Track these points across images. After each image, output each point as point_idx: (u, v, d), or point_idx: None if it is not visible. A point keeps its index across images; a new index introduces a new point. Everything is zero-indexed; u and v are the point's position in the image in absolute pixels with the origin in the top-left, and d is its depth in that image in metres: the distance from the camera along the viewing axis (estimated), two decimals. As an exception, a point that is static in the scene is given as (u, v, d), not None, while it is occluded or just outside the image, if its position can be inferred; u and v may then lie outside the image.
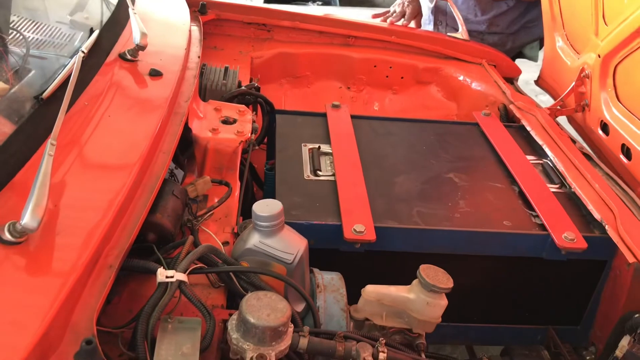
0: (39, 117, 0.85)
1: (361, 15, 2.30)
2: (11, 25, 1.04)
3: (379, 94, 1.84)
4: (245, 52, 1.72)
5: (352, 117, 1.46)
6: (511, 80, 1.82)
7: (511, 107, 1.58)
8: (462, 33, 1.85)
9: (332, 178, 1.20)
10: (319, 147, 1.31)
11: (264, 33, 1.82)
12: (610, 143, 1.45)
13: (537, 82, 1.81)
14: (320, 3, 6.33)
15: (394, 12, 2.12)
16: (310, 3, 6.30)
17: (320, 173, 1.22)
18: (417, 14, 2.15)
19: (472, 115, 1.54)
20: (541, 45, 2.15)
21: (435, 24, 2.19)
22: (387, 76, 1.84)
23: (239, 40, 1.78)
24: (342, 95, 1.81)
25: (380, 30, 1.87)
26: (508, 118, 1.59)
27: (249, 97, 1.38)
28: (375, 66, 1.83)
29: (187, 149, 1.10)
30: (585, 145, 1.53)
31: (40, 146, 0.81)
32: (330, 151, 1.30)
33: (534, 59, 2.16)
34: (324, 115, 1.46)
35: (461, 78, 1.77)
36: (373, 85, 1.84)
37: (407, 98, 1.82)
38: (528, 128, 1.47)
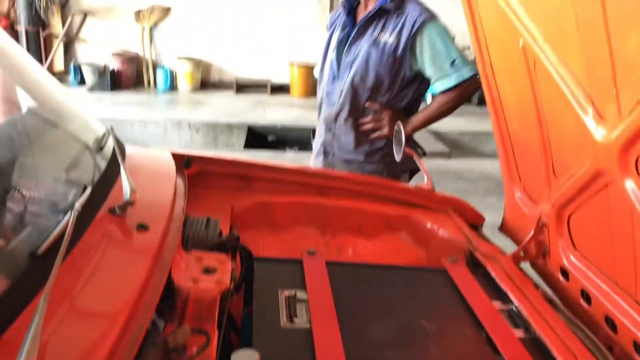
0: (33, 273, 0.91)
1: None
2: (11, 184, 1.13)
3: (352, 239, 1.93)
4: (226, 202, 1.83)
5: (327, 263, 1.54)
6: (476, 227, 1.94)
7: (476, 253, 1.68)
8: (428, 183, 1.99)
9: (307, 325, 1.25)
10: (295, 294, 1.37)
11: (244, 184, 1.94)
12: (570, 288, 1.54)
13: (500, 229, 1.93)
14: (297, 149, 6.66)
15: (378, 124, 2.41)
16: (287, 149, 6.64)
17: (296, 320, 1.26)
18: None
19: (441, 261, 1.63)
20: (410, 176, 2.54)
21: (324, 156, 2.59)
22: (359, 223, 1.94)
23: (220, 190, 1.89)
24: (317, 241, 1.90)
25: (353, 180, 2.01)
26: (474, 264, 1.68)
27: (230, 246, 1.46)
28: (348, 213, 1.94)
29: (168, 298, 1.15)
30: (548, 290, 1.62)
31: (33, 301, 0.86)
32: (306, 298, 1.35)
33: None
34: (300, 261, 1.54)
35: (429, 225, 1.89)
36: (347, 231, 1.94)
37: (379, 244, 1.92)
38: (493, 274, 1.55)
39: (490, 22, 1.63)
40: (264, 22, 8.71)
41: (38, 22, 8.30)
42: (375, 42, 2.36)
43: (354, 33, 2.44)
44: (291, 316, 1.28)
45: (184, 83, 8.71)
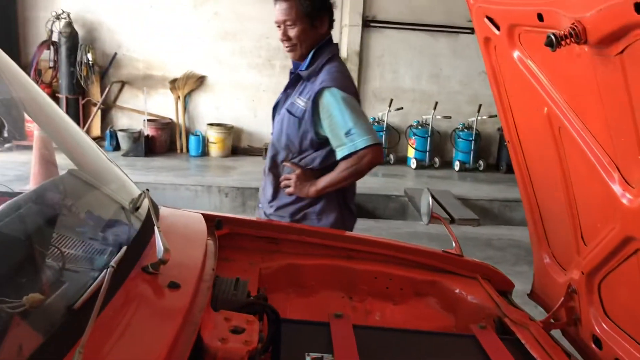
0: (69, 326, 0.94)
1: (363, 225, 2.50)
2: (52, 242, 1.18)
3: (380, 304, 1.92)
4: (254, 263, 1.85)
5: (354, 326, 1.54)
6: (506, 293, 1.92)
7: (505, 320, 1.66)
8: (456, 249, 1.99)
9: (334, 389, 1.24)
10: (322, 358, 1.36)
11: (272, 246, 1.97)
12: (604, 358, 1.50)
13: (530, 296, 1.91)
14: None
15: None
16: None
17: (323, 383, 1.26)
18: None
19: (469, 327, 1.61)
20: None
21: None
22: (387, 287, 1.94)
23: (249, 252, 1.92)
24: (344, 305, 1.90)
25: (381, 244, 2.02)
26: (504, 330, 1.66)
27: (258, 307, 1.47)
28: (376, 278, 1.94)
29: (197, 357, 1.16)
30: (580, 359, 1.57)
31: (69, 353, 0.89)
32: (333, 361, 1.35)
33: None
34: (327, 324, 1.54)
35: (457, 291, 1.87)
36: (374, 295, 1.94)
37: (407, 309, 1.90)
38: (523, 341, 1.53)
39: (514, 90, 1.67)
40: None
41: (78, 90, 8.69)
42: (291, 106, 2.46)
43: (282, 96, 2.61)
44: (318, 379, 1.27)
45: (215, 149, 8.92)
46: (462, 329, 1.74)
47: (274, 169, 2.61)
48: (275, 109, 2.67)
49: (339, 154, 2.37)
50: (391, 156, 8.88)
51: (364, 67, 8.98)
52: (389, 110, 8.69)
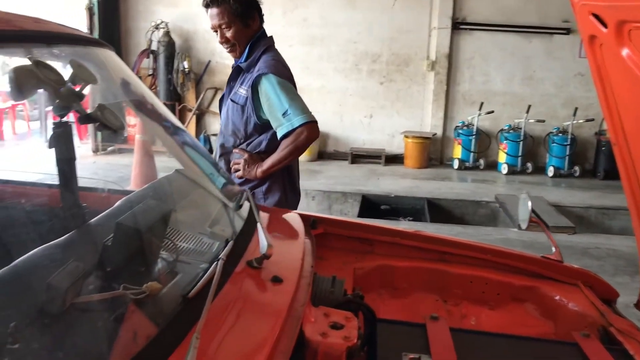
0: (185, 313, 1.00)
1: (452, 231, 2.46)
2: (166, 235, 1.26)
3: (475, 308, 1.89)
4: (348, 263, 1.88)
5: (451, 329, 1.52)
6: (609, 302, 1.84)
7: (611, 329, 1.59)
8: (555, 255, 1.93)
9: (433, 389, 1.24)
10: (420, 358, 1.36)
11: (366, 247, 1.98)
12: None
13: (636, 306, 1.81)
14: (410, 219, 6.64)
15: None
16: (401, 219, 6.63)
17: (421, 383, 1.26)
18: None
19: (571, 335, 1.56)
20: None
21: None
22: (483, 292, 1.90)
23: (343, 252, 1.95)
24: (438, 308, 1.88)
25: (476, 248, 1.99)
26: (609, 340, 1.58)
27: (354, 305, 1.49)
28: (471, 282, 1.91)
29: (299, 350, 1.20)
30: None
31: (185, 337, 0.95)
32: (431, 362, 1.35)
33: None
34: (423, 325, 1.53)
35: (557, 298, 1.81)
36: (469, 299, 1.91)
37: (504, 314, 1.86)
38: (631, 352, 1.46)
39: (622, 89, 1.60)
40: (379, 97, 8.98)
41: (175, 96, 9.11)
42: (234, 95, 2.62)
43: (227, 89, 2.75)
44: (416, 379, 1.28)
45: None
46: (563, 336, 1.68)
47: (225, 155, 2.75)
48: (222, 101, 2.83)
49: (279, 134, 2.52)
50: (481, 161, 8.67)
51: (453, 70, 8.83)
52: (479, 114, 8.49)
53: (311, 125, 2.51)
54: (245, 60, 2.62)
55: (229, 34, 2.57)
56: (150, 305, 1.02)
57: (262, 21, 2.71)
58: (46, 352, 0.86)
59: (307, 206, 7.31)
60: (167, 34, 8.85)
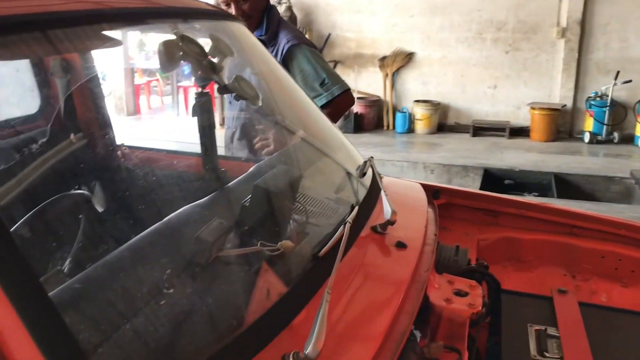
0: (316, 270, 1.06)
1: (581, 208, 2.31)
2: (296, 199, 1.33)
3: (606, 285, 1.80)
4: (471, 234, 1.86)
5: (580, 304, 1.47)
6: None
7: None
8: (701, 231, 1.78)
9: (559, 361, 1.22)
10: (546, 330, 1.34)
11: (490, 218, 1.95)
12: None
13: None
14: (536, 194, 6.36)
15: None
16: (525, 194, 6.38)
17: (547, 354, 1.24)
18: None
19: None
20: None
21: None
22: (616, 268, 1.81)
23: (466, 223, 1.93)
24: (566, 283, 1.82)
25: (610, 222, 1.88)
26: None
27: (478, 275, 1.49)
28: (603, 257, 1.83)
29: (423, 313, 1.23)
30: None
31: (317, 293, 1.01)
32: (558, 335, 1.32)
33: None
34: (550, 299, 1.50)
35: (702, 277, 1.68)
36: (600, 275, 1.82)
37: (639, 292, 1.76)
38: None
39: None
40: (504, 67, 8.60)
41: (296, 70, 9.35)
42: None
43: None
44: (542, 350, 1.26)
45: (421, 126, 8.95)
46: None
47: (245, 134, 2.61)
48: None
49: (319, 104, 2.43)
50: (615, 134, 8.06)
51: (586, 36, 8.23)
52: (615, 84, 7.87)
53: (349, 93, 2.52)
54: (266, 33, 2.56)
55: (245, 6, 2.50)
56: (283, 262, 1.09)
57: None
58: (195, 298, 0.95)
59: (426, 179, 7.23)
60: (289, 8, 9.04)
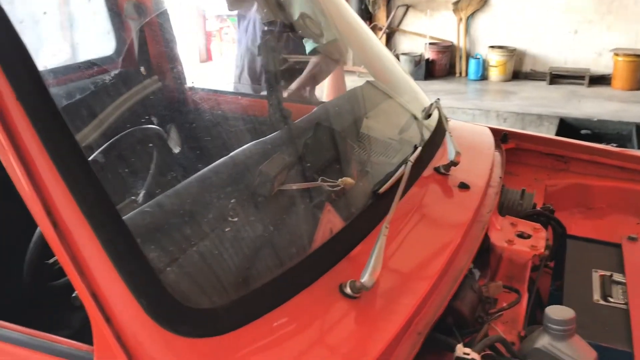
0: (376, 206, 1.08)
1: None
2: (359, 139, 1.34)
3: (682, 235, 1.73)
4: (539, 180, 1.82)
5: (651, 252, 1.43)
6: None
7: None
8: None
9: (624, 307, 1.19)
10: (612, 275, 1.31)
11: (560, 164, 1.89)
12: None
13: None
14: (615, 145, 6.06)
15: None
16: (604, 144, 6.09)
17: (611, 299, 1.22)
18: None
19: None
20: None
21: None
22: (693, 219, 1.73)
23: (534, 168, 1.88)
24: (638, 232, 1.76)
25: (690, 170, 1.79)
26: None
27: (543, 219, 1.46)
28: (680, 207, 1.75)
29: (484, 253, 1.23)
30: None
31: (375, 228, 1.03)
32: (624, 281, 1.29)
33: None
34: (618, 245, 1.46)
35: None
36: (676, 226, 1.75)
37: None
38: None
39: None
40: (586, 10, 8.09)
41: (366, 15, 9.14)
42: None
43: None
44: (606, 295, 1.24)
45: (495, 73, 8.63)
46: None
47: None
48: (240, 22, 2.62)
49: (308, 49, 2.26)
50: None
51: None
52: None
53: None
54: None
55: None
56: (343, 197, 1.12)
57: None
58: (259, 226, 1.00)
59: (498, 128, 7.04)
60: (360, -50, 8.82)
